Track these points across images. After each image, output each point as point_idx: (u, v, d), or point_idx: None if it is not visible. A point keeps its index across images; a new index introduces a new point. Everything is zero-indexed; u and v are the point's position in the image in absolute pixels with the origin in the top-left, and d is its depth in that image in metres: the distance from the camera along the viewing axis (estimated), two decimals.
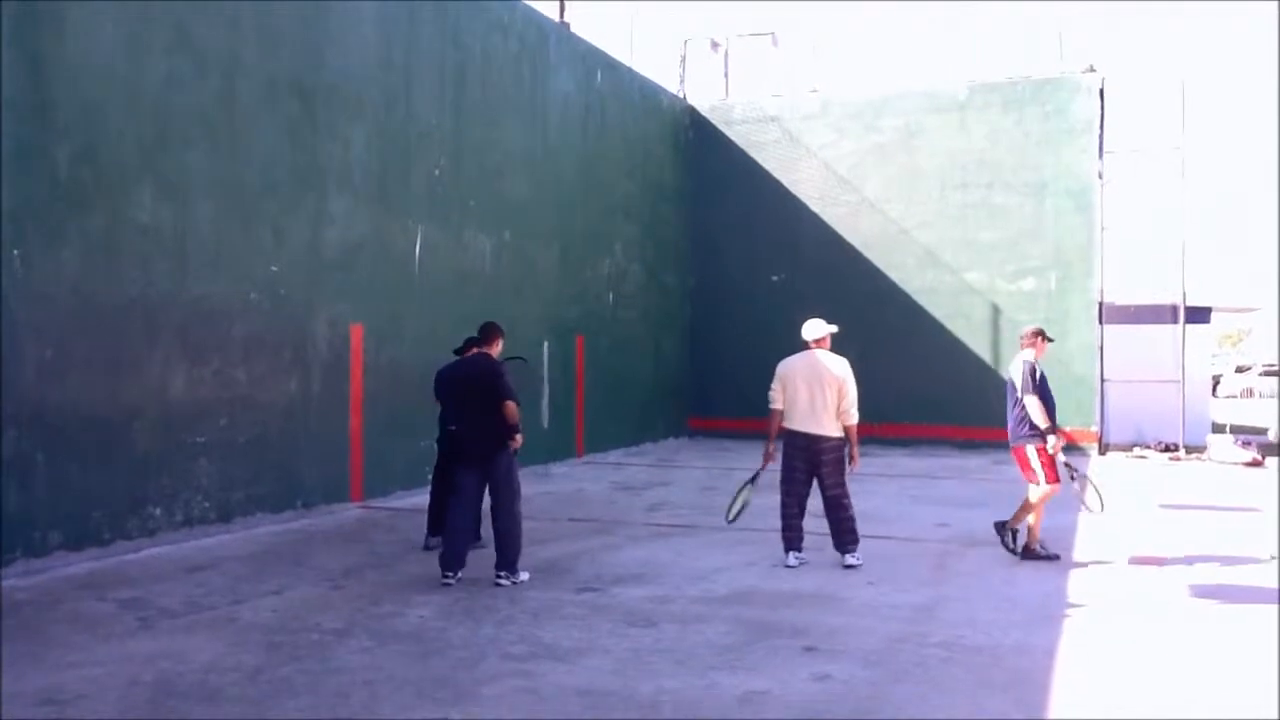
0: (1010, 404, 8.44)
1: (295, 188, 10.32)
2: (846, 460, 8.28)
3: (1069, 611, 6.91)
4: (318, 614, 6.66)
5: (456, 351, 9.21)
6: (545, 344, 14.75)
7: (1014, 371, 8.44)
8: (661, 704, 5.06)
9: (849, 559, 8.14)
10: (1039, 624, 6.57)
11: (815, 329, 8.37)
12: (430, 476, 9.28)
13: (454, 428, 8.05)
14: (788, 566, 8.14)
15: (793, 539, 8.25)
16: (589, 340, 15.99)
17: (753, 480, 8.69)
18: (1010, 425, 8.46)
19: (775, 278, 19.15)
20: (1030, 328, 8.64)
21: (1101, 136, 17.52)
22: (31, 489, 7.72)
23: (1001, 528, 8.56)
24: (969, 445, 17.38)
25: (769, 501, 11.03)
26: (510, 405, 7.57)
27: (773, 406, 8.31)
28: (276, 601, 7.00)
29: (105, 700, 5.03)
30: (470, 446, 7.68)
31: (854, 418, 8.20)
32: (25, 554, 7.66)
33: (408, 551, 8.74)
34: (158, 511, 8.75)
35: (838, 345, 8.50)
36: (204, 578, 7.69)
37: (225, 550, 8.70)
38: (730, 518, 8.62)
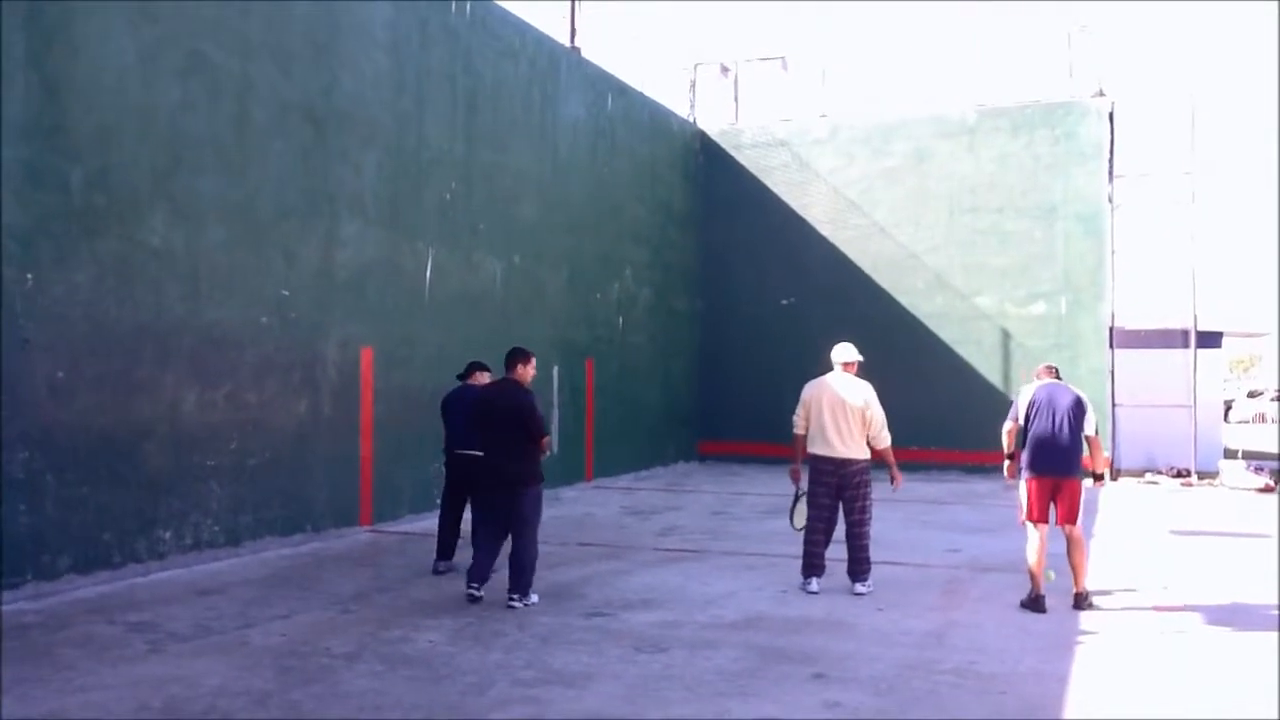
0: (1065, 429, 7.68)
1: (307, 211, 10.37)
2: (873, 485, 8.22)
3: (1081, 639, 6.86)
4: (327, 638, 6.64)
5: (459, 377, 9.26)
6: (554, 368, 14.75)
7: (1083, 400, 7.81)
8: None
9: (859, 587, 8.09)
10: (1052, 651, 6.53)
11: (845, 353, 8.35)
12: (439, 500, 9.29)
13: (469, 454, 8.16)
14: (809, 592, 8.09)
15: (814, 565, 8.21)
16: (598, 364, 15.99)
17: (799, 497, 8.47)
18: (1072, 457, 7.69)
19: (785, 301, 19.15)
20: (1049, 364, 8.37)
21: (1111, 160, 17.54)
22: (42, 511, 7.73)
23: (1081, 600, 7.71)
24: (978, 470, 17.32)
25: (775, 526, 10.95)
26: (546, 440, 7.76)
27: (795, 430, 8.29)
28: (286, 625, 6.98)
29: None
30: (499, 473, 7.73)
31: (886, 440, 8.16)
32: (35, 577, 7.67)
33: (417, 575, 8.73)
34: (167, 534, 8.76)
35: None
36: (213, 601, 7.68)
37: (234, 574, 8.69)
38: (798, 526, 8.42)
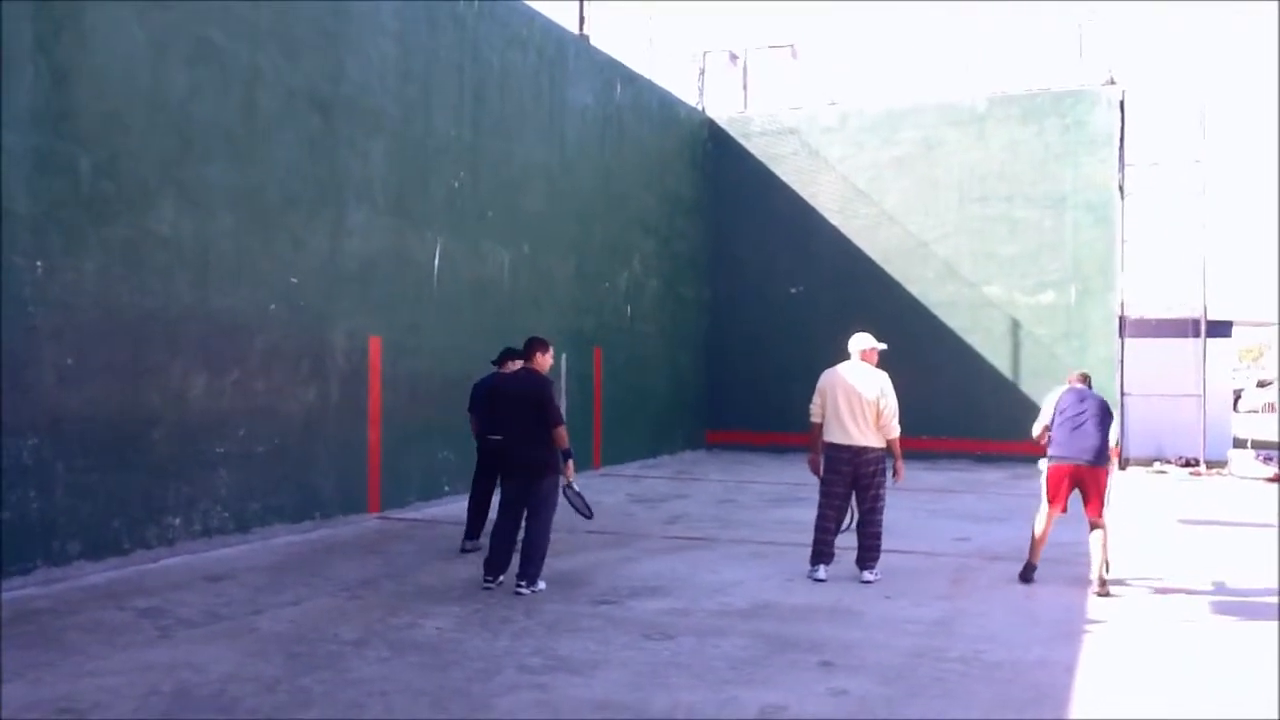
0: (1088, 423, 7.96)
1: (315, 200, 10.37)
2: (888, 473, 8.23)
3: (1089, 627, 6.86)
4: (335, 624, 6.66)
5: (494, 363, 9.27)
6: (563, 356, 14.74)
7: (1109, 406, 8.17)
8: (677, 718, 5.04)
9: (866, 575, 8.10)
10: (1059, 640, 6.53)
11: (860, 342, 8.36)
12: (473, 479, 9.37)
13: (498, 439, 8.10)
14: (816, 579, 8.09)
15: (823, 552, 8.21)
16: (606, 353, 15.99)
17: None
18: (1094, 445, 7.90)
19: (793, 290, 19.13)
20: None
21: (1121, 149, 17.47)
22: (51, 497, 7.76)
23: (1101, 589, 7.72)
24: (987, 459, 17.32)
25: (780, 515, 10.97)
26: (561, 430, 7.68)
27: (812, 420, 8.30)
28: (294, 612, 7.01)
29: (123, 709, 5.05)
30: (516, 462, 7.75)
31: (895, 430, 8.16)
32: (45, 563, 7.70)
33: (425, 562, 8.75)
34: (177, 521, 8.79)
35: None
36: (222, 588, 7.71)
37: (243, 560, 8.72)
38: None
